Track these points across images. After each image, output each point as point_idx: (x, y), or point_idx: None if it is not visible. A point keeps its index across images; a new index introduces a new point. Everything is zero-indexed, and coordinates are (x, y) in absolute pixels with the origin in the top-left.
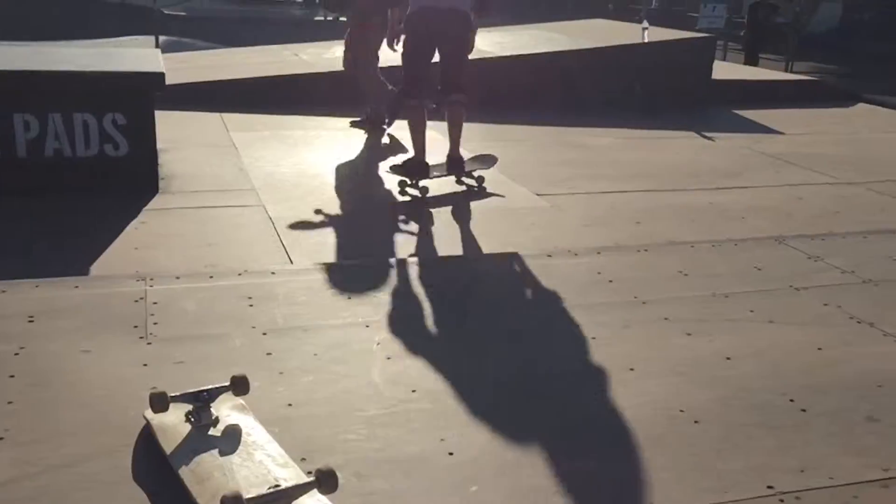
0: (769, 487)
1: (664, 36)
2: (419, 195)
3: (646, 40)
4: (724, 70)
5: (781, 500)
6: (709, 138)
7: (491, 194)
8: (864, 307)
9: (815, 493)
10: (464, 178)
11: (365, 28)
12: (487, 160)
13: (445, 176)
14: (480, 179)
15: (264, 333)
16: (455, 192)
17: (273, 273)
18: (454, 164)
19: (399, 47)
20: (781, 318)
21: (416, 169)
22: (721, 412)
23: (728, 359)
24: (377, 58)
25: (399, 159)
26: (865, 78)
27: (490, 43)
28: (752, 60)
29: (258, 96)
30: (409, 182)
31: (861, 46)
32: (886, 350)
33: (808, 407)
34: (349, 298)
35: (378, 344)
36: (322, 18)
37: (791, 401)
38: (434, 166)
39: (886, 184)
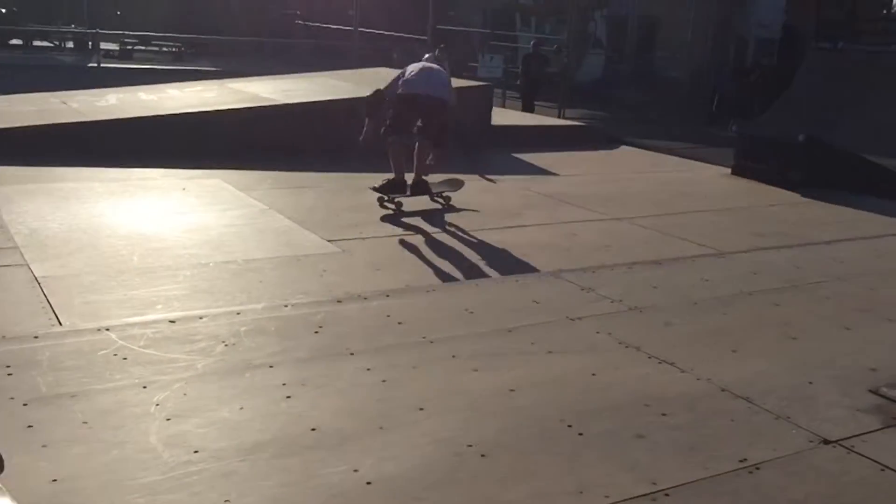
0: None
1: None
2: (395, 208)
3: None
4: (503, 116)
5: None
6: (490, 180)
7: (461, 209)
8: (631, 333)
9: None
10: (435, 198)
11: None
12: (455, 184)
13: (411, 196)
14: (447, 199)
15: (25, 404)
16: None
17: (36, 337)
18: (417, 186)
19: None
20: (559, 348)
21: (395, 187)
22: (507, 444)
23: (512, 390)
24: None
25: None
26: (625, 122)
27: (276, 90)
28: (528, 107)
29: (22, 148)
30: (385, 198)
31: (620, 94)
32: (650, 371)
33: (585, 430)
34: (125, 359)
35: (157, 405)
36: (95, 65)
37: (569, 426)
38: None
39: (648, 218)
